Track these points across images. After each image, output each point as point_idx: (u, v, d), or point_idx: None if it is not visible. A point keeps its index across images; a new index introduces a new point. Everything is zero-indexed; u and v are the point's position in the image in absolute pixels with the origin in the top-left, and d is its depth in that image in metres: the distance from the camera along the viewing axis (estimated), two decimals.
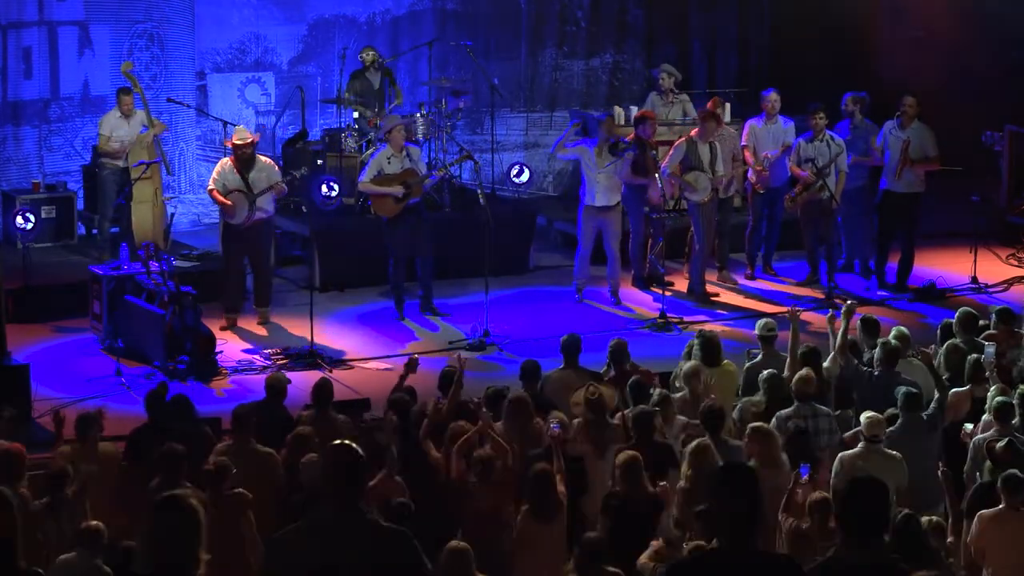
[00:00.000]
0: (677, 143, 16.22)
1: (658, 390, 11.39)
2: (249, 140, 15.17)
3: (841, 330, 11.97)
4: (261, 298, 15.46)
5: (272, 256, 16.09)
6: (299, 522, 6.43)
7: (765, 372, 11.66)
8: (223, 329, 15.02)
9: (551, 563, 9.65)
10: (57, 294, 15.53)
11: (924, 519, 9.09)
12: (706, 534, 8.38)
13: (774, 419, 10.90)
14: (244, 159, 15.05)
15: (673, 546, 9.18)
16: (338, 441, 6.44)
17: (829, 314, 12.83)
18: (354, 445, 6.36)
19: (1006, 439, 10.08)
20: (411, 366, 11.56)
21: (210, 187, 15.22)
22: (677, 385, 11.93)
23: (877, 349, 11.88)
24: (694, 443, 10.14)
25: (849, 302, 12.64)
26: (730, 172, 16.49)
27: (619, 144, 16.04)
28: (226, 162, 15.23)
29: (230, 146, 15.26)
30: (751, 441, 10.29)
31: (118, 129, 16.50)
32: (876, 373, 11.72)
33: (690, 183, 16.08)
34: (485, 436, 10.50)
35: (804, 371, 11.27)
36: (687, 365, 11.85)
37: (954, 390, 11.45)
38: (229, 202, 14.97)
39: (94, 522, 9.21)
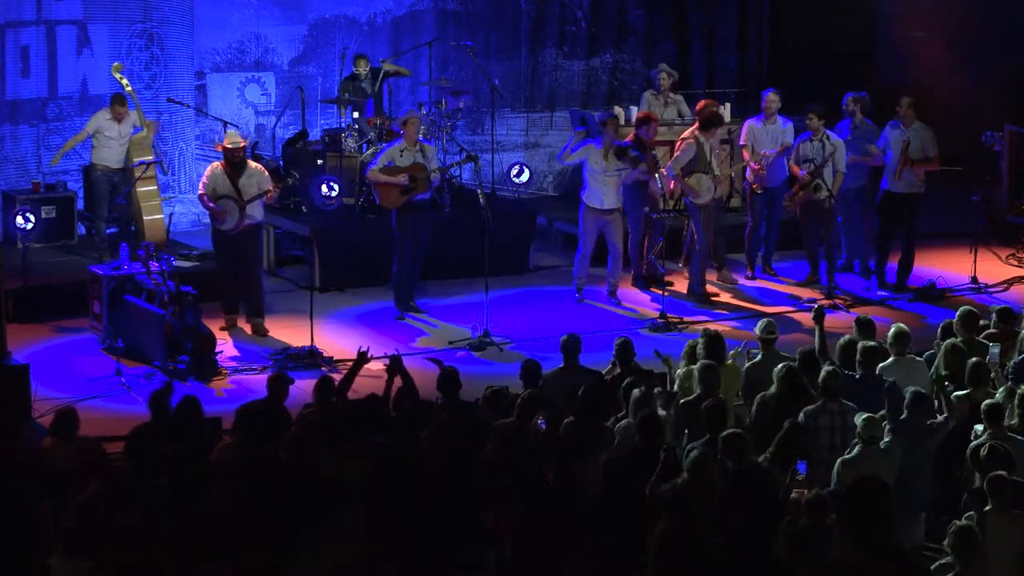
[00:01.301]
0: (685, 145, 16.09)
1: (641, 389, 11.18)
2: (242, 145, 15.08)
3: (817, 333, 11.96)
4: (253, 309, 15.24)
5: (263, 262, 16.01)
6: (332, 526, 6.38)
7: (780, 366, 11.46)
8: (223, 329, 15.02)
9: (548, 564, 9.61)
10: (57, 294, 15.53)
11: (956, 522, 9.01)
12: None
13: (801, 415, 10.77)
14: (236, 163, 15.00)
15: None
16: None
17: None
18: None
19: (987, 444, 10.06)
20: (362, 359, 11.37)
21: (200, 192, 15.14)
22: (674, 389, 11.86)
23: (857, 350, 11.77)
24: (694, 452, 10.02)
25: (817, 304, 12.60)
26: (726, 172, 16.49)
27: (628, 151, 15.94)
28: (217, 166, 15.12)
29: (221, 150, 15.21)
30: (725, 448, 10.06)
31: (108, 130, 16.55)
32: (856, 376, 11.53)
33: (692, 187, 16.03)
34: None
35: (830, 367, 11.16)
36: (701, 363, 11.53)
37: (955, 394, 11.35)
38: (219, 209, 14.94)
39: (77, 522, 9.17)
